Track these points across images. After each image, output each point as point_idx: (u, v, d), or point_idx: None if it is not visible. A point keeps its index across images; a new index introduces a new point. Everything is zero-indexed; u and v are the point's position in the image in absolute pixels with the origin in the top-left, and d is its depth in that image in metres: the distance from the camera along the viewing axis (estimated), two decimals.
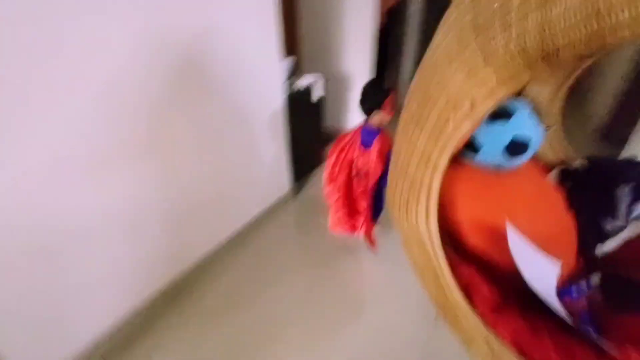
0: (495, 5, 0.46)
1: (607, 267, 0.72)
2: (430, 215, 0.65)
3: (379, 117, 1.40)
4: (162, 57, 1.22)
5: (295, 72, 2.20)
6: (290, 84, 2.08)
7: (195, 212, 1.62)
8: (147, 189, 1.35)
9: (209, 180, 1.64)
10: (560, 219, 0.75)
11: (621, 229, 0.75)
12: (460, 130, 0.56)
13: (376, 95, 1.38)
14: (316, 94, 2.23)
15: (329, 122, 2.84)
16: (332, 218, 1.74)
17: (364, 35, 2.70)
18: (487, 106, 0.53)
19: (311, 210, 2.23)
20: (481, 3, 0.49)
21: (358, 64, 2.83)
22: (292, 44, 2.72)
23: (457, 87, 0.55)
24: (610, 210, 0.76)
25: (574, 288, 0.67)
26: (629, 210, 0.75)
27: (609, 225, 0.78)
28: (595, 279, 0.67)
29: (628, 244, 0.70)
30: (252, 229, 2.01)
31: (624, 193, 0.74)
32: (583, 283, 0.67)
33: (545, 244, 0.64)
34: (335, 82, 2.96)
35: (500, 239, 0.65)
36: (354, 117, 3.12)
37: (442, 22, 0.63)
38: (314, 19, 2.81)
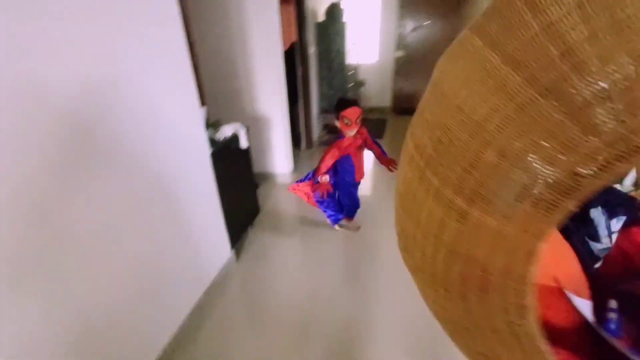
0: None
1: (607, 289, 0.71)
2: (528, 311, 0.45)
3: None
4: (45, 120, 0.85)
5: (213, 123, 1.96)
6: (212, 137, 1.82)
7: (122, 325, 1.15)
8: (39, 319, 0.87)
9: (131, 278, 1.20)
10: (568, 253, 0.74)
11: (608, 249, 0.76)
12: None
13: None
14: (243, 142, 2.01)
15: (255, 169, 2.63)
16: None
17: (275, 77, 2.67)
18: None
19: (258, 274, 1.92)
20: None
21: (273, 106, 2.77)
22: (201, 93, 2.47)
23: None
24: (592, 233, 0.77)
25: (609, 325, 0.62)
26: (609, 230, 0.76)
27: (596, 249, 0.78)
28: (613, 304, 0.64)
29: (605, 259, 0.72)
30: (196, 318, 1.58)
31: (598, 214, 0.76)
32: (611, 314, 0.63)
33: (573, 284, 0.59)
34: (254, 127, 2.81)
35: (557, 297, 0.57)
36: (279, 159, 2.99)
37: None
38: (218, 65, 2.65)
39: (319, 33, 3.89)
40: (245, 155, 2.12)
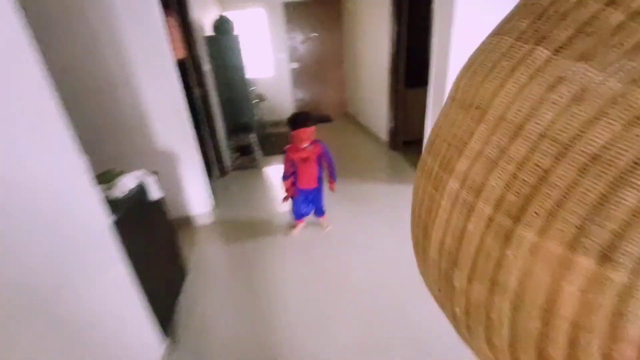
0: None
1: None
2: None
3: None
4: None
5: (103, 176, 1.43)
6: (107, 196, 1.31)
7: None
8: None
9: None
10: None
11: None
12: None
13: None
14: (153, 193, 1.53)
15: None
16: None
17: (172, 102, 2.20)
18: None
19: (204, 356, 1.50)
20: None
21: (177, 138, 2.28)
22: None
23: None
24: None
25: None
26: None
27: None
28: None
29: None
30: None
31: None
32: None
33: None
34: (159, 166, 2.25)
35: None
36: (196, 198, 2.51)
37: None
38: (93, 98, 2.01)
39: (210, 48, 3.49)
40: (158, 208, 1.64)
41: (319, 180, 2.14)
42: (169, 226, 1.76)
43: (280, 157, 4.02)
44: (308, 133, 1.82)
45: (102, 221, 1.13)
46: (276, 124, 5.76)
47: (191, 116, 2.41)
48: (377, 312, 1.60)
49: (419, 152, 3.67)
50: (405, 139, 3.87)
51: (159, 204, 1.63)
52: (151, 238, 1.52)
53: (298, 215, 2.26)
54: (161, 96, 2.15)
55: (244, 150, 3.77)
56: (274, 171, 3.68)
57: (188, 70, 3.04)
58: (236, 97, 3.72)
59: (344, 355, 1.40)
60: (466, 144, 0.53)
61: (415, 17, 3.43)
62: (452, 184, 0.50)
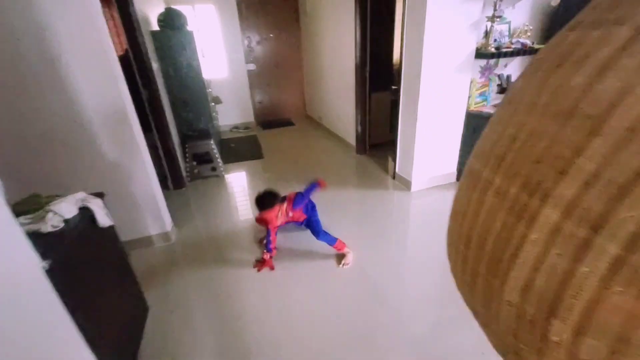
0: None
1: None
2: None
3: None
4: None
5: (27, 203, 1.08)
6: (37, 230, 0.98)
7: None
8: None
9: None
10: None
11: None
12: None
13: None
14: (101, 219, 1.21)
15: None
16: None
17: (116, 106, 1.84)
18: None
19: None
20: None
21: (123, 147, 1.92)
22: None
23: None
24: None
25: None
26: None
27: None
28: None
29: None
30: None
31: None
32: None
33: None
34: (101, 182, 1.87)
35: None
36: (151, 216, 2.15)
37: None
38: (11, 105, 1.58)
39: (159, 44, 3.09)
40: (109, 238, 1.31)
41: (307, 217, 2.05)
42: (123, 259, 1.43)
43: (242, 164, 3.75)
44: (273, 215, 1.84)
45: (30, 269, 0.82)
46: (236, 128, 5.40)
47: (139, 122, 2.05)
48: (355, 314, 1.48)
49: (386, 155, 3.70)
50: (372, 142, 3.86)
51: (109, 234, 1.30)
52: (102, 277, 1.20)
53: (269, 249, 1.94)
54: (102, 99, 1.78)
55: (201, 159, 3.41)
56: (236, 179, 3.39)
57: (134, 69, 2.63)
58: (190, 99, 3.34)
59: None
60: (572, 162, 0.41)
61: (377, 21, 3.43)
62: (549, 213, 0.39)
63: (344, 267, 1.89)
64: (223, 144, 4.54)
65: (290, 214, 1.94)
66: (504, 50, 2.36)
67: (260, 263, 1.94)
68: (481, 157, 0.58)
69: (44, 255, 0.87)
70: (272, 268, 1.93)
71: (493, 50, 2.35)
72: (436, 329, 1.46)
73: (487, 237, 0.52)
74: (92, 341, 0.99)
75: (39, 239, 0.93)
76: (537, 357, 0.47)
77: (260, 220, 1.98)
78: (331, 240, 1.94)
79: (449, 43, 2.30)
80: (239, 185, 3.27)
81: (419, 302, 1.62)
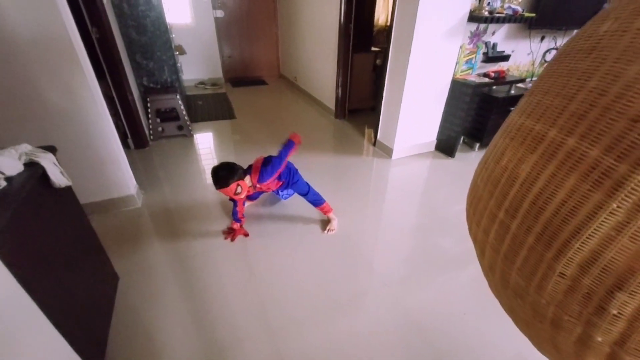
0: None
1: None
2: None
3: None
4: None
5: None
6: None
7: None
8: None
9: None
10: None
11: None
12: None
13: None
14: (56, 178, 1.00)
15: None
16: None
17: (59, 41, 1.49)
18: None
19: None
20: None
21: (71, 92, 1.60)
22: None
23: None
24: None
25: None
26: None
27: None
28: None
29: None
30: None
31: None
32: None
33: None
34: (50, 133, 1.57)
35: None
36: (112, 177, 1.89)
37: None
38: None
39: None
40: (65, 200, 1.10)
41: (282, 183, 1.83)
42: (85, 224, 1.23)
43: (211, 124, 3.44)
44: (230, 192, 1.57)
45: None
46: (202, 84, 4.90)
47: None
48: (333, 280, 1.48)
49: (364, 121, 3.61)
50: (351, 107, 3.73)
51: (65, 195, 1.09)
52: (61, 246, 1.01)
53: (236, 218, 1.83)
54: (38, 28, 1.42)
55: (166, 115, 3.06)
56: (205, 140, 3.12)
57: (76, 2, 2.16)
58: (150, 44, 2.89)
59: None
60: None
61: None
62: None
63: (329, 233, 1.86)
64: (189, 101, 4.12)
65: (258, 186, 1.71)
66: (497, 15, 2.29)
67: (231, 232, 1.82)
68: (544, 115, 0.51)
69: None
70: (246, 234, 1.83)
71: (486, 14, 2.27)
72: (419, 292, 1.50)
73: (546, 205, 0.47)
74: (57, 320, 0.84)
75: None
76: (584, 328, 0.45)
77: (225, 194, 1.66)
78: (320, 200, 1.85)
79: (445, 2, 2.16)
80: (209, 146, 3.02)
81: (401, 266, 1.65)
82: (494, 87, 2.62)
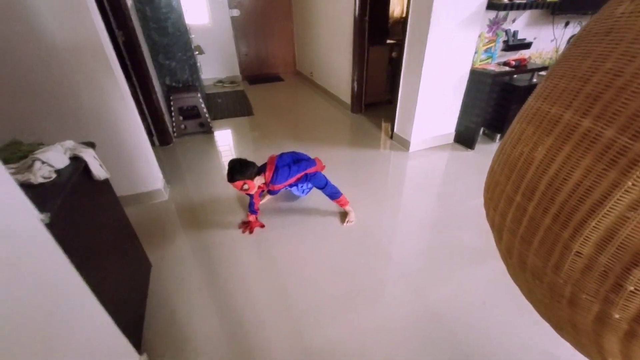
0: None
1: None
2: None
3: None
4: None
5: (11, 152, 0.94)
6: (25, 180, 0.86)
7: None
8: None
9: None
10: None
11: None
12: None
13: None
14: (97, 171, 1.09)
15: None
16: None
17: (91, 44, 1.60)
18: None
19: None
20: None
21: (105, 93, 1.70)
22: None
23: None
24: None
25: None
26: None
27: None
28: None
29: None
30: None
31: None
32: None
33: None
34: (86, 130, 1.69)
35: None
36: (142, 172, 2.01)
37: None
38: None
39: None
40: (105, 192, 1.20)
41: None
42: (122, 214, 1.33)
43: (231, 121, 3.54)
44: (237, 187, 1.64)
45: (29, 222, 0.72)
46: (221, 82, 5.03)
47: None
48: (353, 270, 1.52)
49: (381, 115, 3.60)
50: (367, 101, 3.73)
51: (104, 187, 1.19)
52: (102, 234, 1.11)
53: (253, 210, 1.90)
54: (73, 34, 1.53)
55: (188, 113, 3.18)
56: (226, 136, 3.21)
57: (104, 5, 2.28)
58: (172, 45, 3.00)
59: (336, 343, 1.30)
60: None
61: None
62: None
63: (347, 224, 1.89)
64: (209, 99, 4.25)
65: (271, 186, 1.72)
66: (518, 1, 2.23)
67: (247, 224, 1.88)
68: (560, 98, 0.52)
69: (39, 208, 0.76)
70: (262, 226, 1.89)
71: (506, 0, 2.21)
72: (438, 282, 1.52)
73: (562, 186, 0.48)
74: (104, 300, 0.93)
75: (29, 191, 0.81)
76: (602, 306, 0.46)
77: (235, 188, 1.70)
78: (337, 194, 1.89)
79: None
80: (228, 142, 3.11)
81: (420, 257, 1.67)
82: (515, 76, 2.55)
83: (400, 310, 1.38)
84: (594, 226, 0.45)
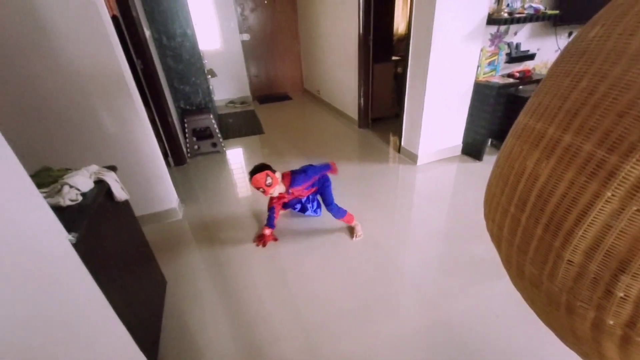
0: None
1: None
2: None
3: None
4: None
5: (42, 178, 1.03)
6: (55, 203, 0.94)
7: None
8: None
9: None
10: None
11: None
12: None
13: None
14: (118, 193, 1.17)
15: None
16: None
17: (114, 73, 1.72)
18: None
19: None
20: None
21: (125, 119, 1.82)
22: None
23: None
24: None
25: None
26: None
27: None
28: None
29: None
30: None
31: None
32: None
33: None
34: (108, 154, 1.80)
35: None
36: (158, 192, 2.10)
37: None
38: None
39: (148, 9, 2.88)
40: (125, 213, 1.27)
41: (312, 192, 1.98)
42: (140, 233, 1.40)
43: (242, 140, 3.66)
44: (260, 179, 1.70)
45: (59, 242, 0.79)
46: (232, 103, 5.23)
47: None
48: (362, 285, 1.52)
49: (389, 129, 3.65)
50: (374, 116, 3.80)
51: (124, 208, 1.26)
52: (123, 252, 1.17)
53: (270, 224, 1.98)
54: (98, 66, 1.66)
55: (201, 134, 3.31)
56: (237, 155, 3.32)
57: (124, 36, 2.46)
58: (186, 71, 3.18)
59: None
60: None
61: None
62: (631, 169, 0.40)
63: (356, 238, 1.91)
64: (221, 119, 4.41)
65: (291, 191, 1.81)
66: (517, 15, 2.28)
67: (261, 238, 1.93)
68: (544, 114, 0.55)
69: (67, 229, 0.83)
70: (275, 239, 1.94)
71: (506, 15, 2.27)
72: (449, 295, 1.50)
73: (549, 198, 0.51)
74: (122, 317, 0.98)
75: (59, 213, 0.88)
76: (596, 313, 0.48)
77: (256, 184, 1.75)
78: (342, 213, 1.92)
79: (461, 8, 2.20)
80: (240, 161, 3.21)
81: (431, 271, 1.66)
82: (521, 87, 2.57)
83: (412, 322, 1.37)
84: (581, 235, 0.47)
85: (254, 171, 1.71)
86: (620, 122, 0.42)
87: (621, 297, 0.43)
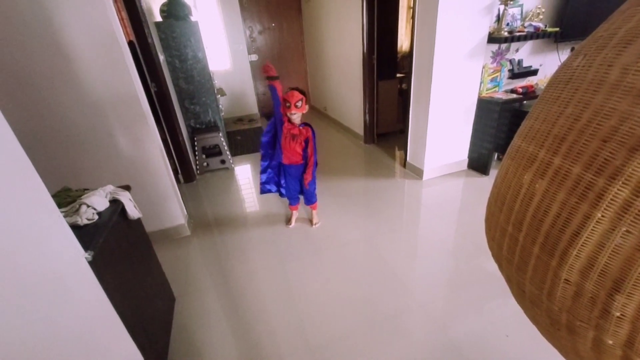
0: None
1: None
2: None
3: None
4: None
5: (61, 198, 1.08)
6: (73, 223, 0.99)
7: None
8: None
9: None
10: None
11: None
12: None
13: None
14: (131, 211, 1.22)
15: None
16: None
17: (130, 96, 1.82)
18: None
19: None
20: None
21: (138, 140, 1.90)
22: None
23: None
24: None
25: None
26: None
27: None
28: None
29: None
30: None
31: None
32: None
33: None
34: (118, 172, 1.87)
35: None
36: (168, 209, 2.15)
37: None
38: (23, 98, 1.56)
39: (163, 35, 3.04)
40: (138, 230, 1.32)
41: (304, 158, 2.04)
42: (151, 251, 1.44)
43: (250, 156, 3.74)
44: (297, 96, 1.84)
45: (76, 260, 0.83)
46: (241, 120, 5.37)
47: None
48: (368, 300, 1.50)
49: (394, 144, 3.69)
50: (379, 131, 3.85)
51: (137, 226, 1.31)
52: (135, 269, 1.21)
53: (265, 189, 2.19)
54: (116, 92, 1.76)
55: (210, 151, 3.40)
56: (245, 172, 3.38)
57: (139, 61, 2.59)
58: (197, 91, 3.31)
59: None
60: None
61: (381, 7, 3.37)
62: (618, 191, 0.40)
63: (315, 226, 2.24)
64: (230, 137, 4.52)
65: (302, 127, 1.95)
66: (517, 34, 2.33)
67: (289, 222, 2.29)
68: (535, 138, 0.58)
69: (84, 247, 0.87)
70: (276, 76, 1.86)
71: (506, 34, 2.32)
72: (459, 313, 1.48)
73: (544, 218, 0.52)
74: (132, 333, 1.01)
75: (76, 232, 0.93)
76: (595, 332, 0.48)
77: (291, 97, 1.83)
78: (314, 196, 2.18)
79: (462, 28, 2.27)
80: (248, 177, 3.27)
81: (438, 288, 1.64)
82: (525, 102, 2.59)
83: (419, 341, 1.35)
84: (575, 255, 0.48)
85: (294, 88, 1.88)
86: (605, 147, 0.44)
87: (618, 317, 0.44)
